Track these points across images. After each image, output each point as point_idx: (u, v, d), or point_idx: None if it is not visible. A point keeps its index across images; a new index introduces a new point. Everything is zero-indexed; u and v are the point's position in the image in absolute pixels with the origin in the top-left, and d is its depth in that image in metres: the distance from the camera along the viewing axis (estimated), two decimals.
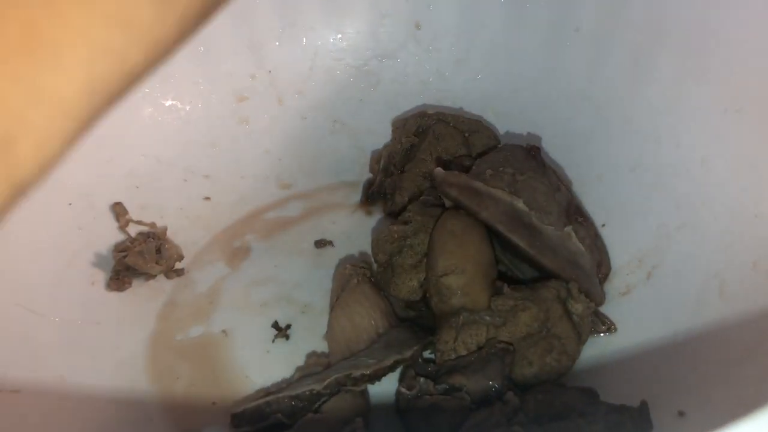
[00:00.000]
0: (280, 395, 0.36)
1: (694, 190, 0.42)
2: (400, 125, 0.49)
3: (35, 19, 0.14)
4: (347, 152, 0.53)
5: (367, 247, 0.45)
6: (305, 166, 0.53)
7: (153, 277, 0.45)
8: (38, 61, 0.14)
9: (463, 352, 0.37)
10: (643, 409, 0.33)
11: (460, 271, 0.38)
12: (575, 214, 0.42)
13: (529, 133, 0.50)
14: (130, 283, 0.44)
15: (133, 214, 0.47)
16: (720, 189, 0.40)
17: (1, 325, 0.39)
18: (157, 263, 0.44)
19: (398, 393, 0.37)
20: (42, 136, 0.15)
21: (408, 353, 0.37)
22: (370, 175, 0.51)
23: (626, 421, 0.33)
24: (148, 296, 0.45)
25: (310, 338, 0.42)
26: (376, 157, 0.51)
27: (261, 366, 0.41)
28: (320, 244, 0.47)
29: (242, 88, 0.53)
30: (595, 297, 0.40)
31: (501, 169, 0.41)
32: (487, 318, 0.37)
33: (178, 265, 0.46)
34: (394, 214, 0.46)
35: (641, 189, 0.45)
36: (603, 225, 0.45)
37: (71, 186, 0.46)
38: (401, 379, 0.38)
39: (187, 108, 0.52)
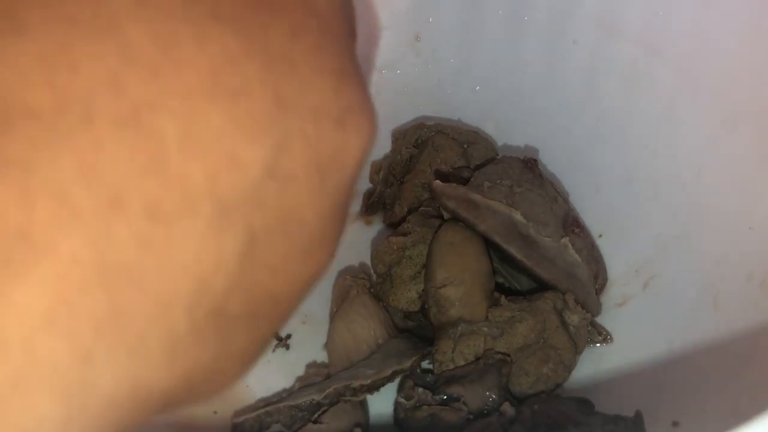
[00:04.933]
0: (280, 405, 0.36)
1: (690, 202, 0.42)
2: (400, 136, 0.49)
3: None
4: None
5: (367, 258, 0.46)
6: None
7: None
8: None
9: (461, 363, 0.37)
10: (638, 420, 0.34)
11: (459, 282, 0.39)
12: (572, 225, 0.43)
13: (527, 145, 0.51)
14: None
15: None
16: (715, 201, 0.41)
17: None
18: None
19: (397, 403, 0.38)
20: None
21: (407, 363, 0.37)
22: (370, 185, 0.52)
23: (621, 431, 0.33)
24: None
25: (311, 348, 0.42)
26: (376, 167, 0.51)
27: (262, 375, 0.41)
28: None
29: None
30: (591, 308, 0.40)
31: (499, 181, 0.41)
32: (485, 329, 0.38)
33: None
34: (393, 225, 0.47)
35: (638, 200, 0.45)
36: (600, 236, 0.45)
37: None
38: (400, 390, 0.38)
39: None
